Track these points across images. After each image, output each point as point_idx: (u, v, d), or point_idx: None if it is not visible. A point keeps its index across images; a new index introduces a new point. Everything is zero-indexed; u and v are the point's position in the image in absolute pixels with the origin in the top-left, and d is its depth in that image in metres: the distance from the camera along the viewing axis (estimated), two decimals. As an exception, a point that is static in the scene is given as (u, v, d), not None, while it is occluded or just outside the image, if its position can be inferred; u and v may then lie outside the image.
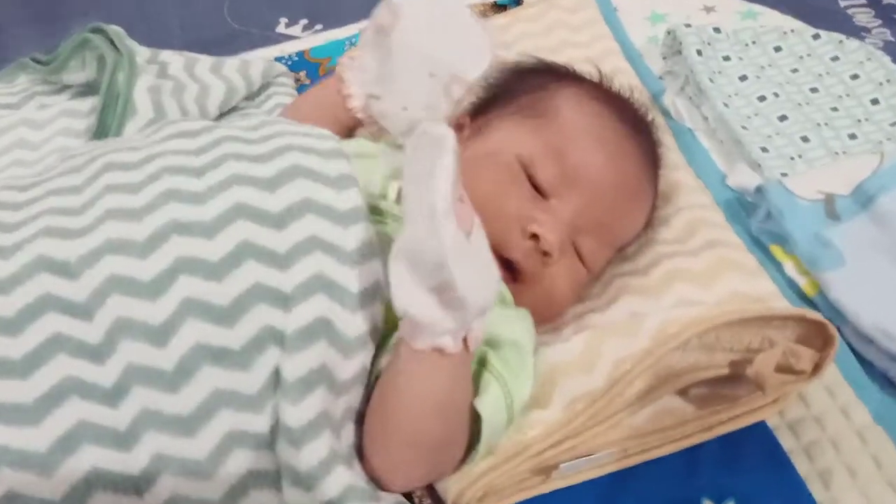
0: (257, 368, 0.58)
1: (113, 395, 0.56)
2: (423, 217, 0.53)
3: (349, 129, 0.86)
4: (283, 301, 0.59)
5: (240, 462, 0.58)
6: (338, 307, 0.60)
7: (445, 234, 0.52)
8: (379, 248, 0.63)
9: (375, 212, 0.70)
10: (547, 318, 0.75)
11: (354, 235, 0.62)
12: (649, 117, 0.86)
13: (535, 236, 0.71)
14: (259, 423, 0.58)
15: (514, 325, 0.69)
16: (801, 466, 0.70)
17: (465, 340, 0.58)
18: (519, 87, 0.83)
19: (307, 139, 0.68)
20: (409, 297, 0.55)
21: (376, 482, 0.62)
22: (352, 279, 0.61)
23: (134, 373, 0.57)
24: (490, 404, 0.63)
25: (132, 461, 0.56)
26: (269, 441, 0.59)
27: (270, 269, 0.60)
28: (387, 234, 0.66)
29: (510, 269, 0.72)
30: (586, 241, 0.75)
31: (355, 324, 0.60)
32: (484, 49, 0.77)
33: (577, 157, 0.75)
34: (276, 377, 0.58)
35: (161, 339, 0.57)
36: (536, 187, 0.74)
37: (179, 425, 0.57)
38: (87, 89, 0.94)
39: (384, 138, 0.82)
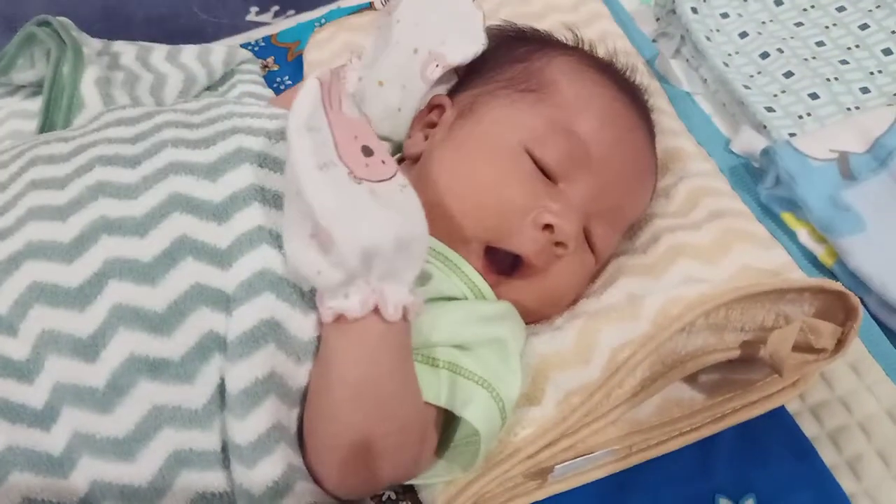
0: (201, 380, 0.52)
1: (43, 418, 0.51)
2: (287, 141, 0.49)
3: None
4: (226, 302, 0.52)
5: (188, 485, 0.52)
6: (287, 306, 0.53)
7: (299, 155, 0.48)
8: None
9: None
10: (547, 315, 0.68)
11: None
12: (637, 80, 0.78)
13: (547, 227, 0.63)
14: (207, 441, 0.52)
15: (491, 321, 0.62)
16: (828, 456, 0.64)
17: (376, 309, 0.51)
18: (501, 58, 0.76)
19: (256, 120, 0.62)
20: (291, 247, 0.50)
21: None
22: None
23: (63, 392, 0.51)
24: (481, 414, 0.56)
25: (69, 489, 0.51)
26: (222, 460, 0.53)
27: (210, 267, 0.53)
28: None
29: (505, 264, 0.65)
30: (598, 226, 0.68)
31: (309, 325, 0.53)
32: (474, 36, 0.75)
33: (586, 134, 0.67)
34: (223, 388, 0.52)
35: (90, 353, 0.51)
36: (543, 171, 0.66)
37: (116, 449, 0.51)
38: (39, 89, 0.88)
39: None
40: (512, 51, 0.76)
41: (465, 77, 0.76)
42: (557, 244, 0.64)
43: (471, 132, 0.69)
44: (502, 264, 0.65)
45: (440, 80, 0.75)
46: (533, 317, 0.66)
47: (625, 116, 0.71)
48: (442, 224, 0.62)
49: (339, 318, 0.51)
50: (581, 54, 0.77)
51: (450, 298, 0.62)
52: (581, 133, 0.67)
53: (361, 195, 0.49)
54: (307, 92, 0.50)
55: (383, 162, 0.52)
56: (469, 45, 0.74)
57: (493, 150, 0.67)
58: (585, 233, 0.67)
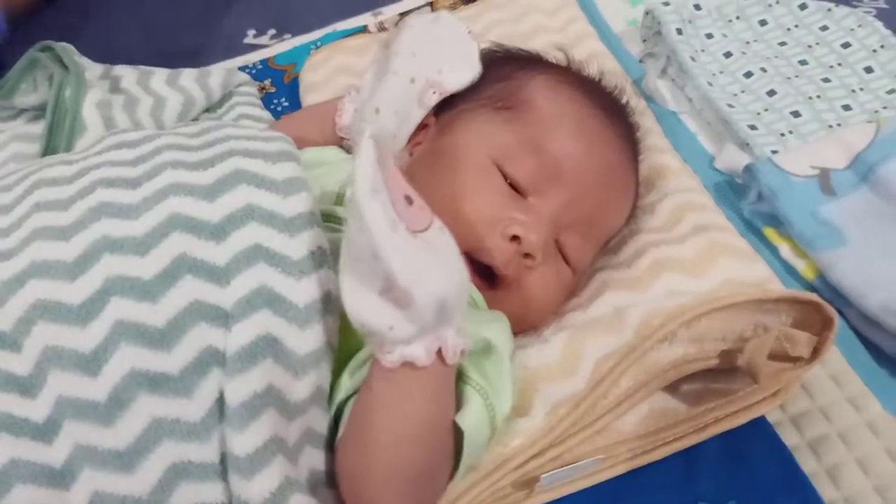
0: (199, 394, 0.53)
1: (46, 431, 0.52)
2: (353, 215, 0.48)
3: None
4: (224, 319, 0.54)
5: (187, 497, 0.53)
6: (283, 323, 0.55)
7: (372, 219, 0.48)
8: (331, 256, 0.58)
9: (331, 218, 0.66)
10: (529, 325, 0.70)
11: (302, 243, 0.57)
12: (623, 99, 0.80)
13: (515, 238, 0.66)
14: (205, 453, 0.53)
15: (489, 329, 0.63)
16: (808, 464, 0.66)
17: (440, 353, 0.52)
18: (486, 77, 0.78)
19: (253, 143, 0.63)
20: (359, 303, 0.50)
21: None
22: (299, 291, 0.56)
23: (65, 406, 0.52)
24: (472, 420, 0.58)
25: (70, 502, 0.52)
26: (220, 472, 0.54)
27: (209, 285, 0.55)
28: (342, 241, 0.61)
29: (487, 276, 0.67)
30: (570, 238, 0.70)
31: (305, 340, 0.55)
32: (470, 64, 0.78)
33: (556, 149, 0.70)
34: (222, 403, 0.54)
35: (92, 368, 0.53)
36: (513, 185, 0.69)
37: (117, 461, 0.52)
38: (41, 113, 0.90)
39: None
40: (497, 70, 0.79)
41: (451, 96, 0.79)
42: (526, 255, 0.66)
43: (446, 147, 0.72)
44: (483, 275, 0.67)
45: None
46: (518, 327, 0.67)
47: (599, 132, 0.73)
48: None
49: (405, 364, 0.52)
50: (563, 72, 0.79)
51: None
52: (552, 148, 0.70)
53: (422, 249, 0.50)
54: (366, 155, 0.50)
55: (422, 209, 0.53)
56: (465, 73, 0.77)
57: (464, 164, 0.70)
58: (558, 245, 0.69)
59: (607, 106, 0.77)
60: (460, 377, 0.59)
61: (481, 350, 0.61)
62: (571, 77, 0.78)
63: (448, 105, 0.78)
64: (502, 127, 0.72)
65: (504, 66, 0.80)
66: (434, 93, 0.76)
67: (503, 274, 0.66)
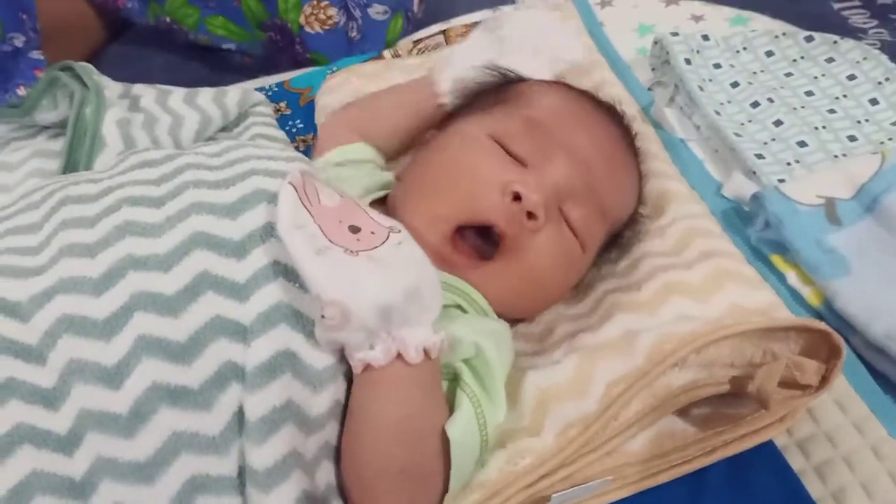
0: (219, 408, 0.55)
1: (67, 443, 0.53)
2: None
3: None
4: (243, 334, 0.55)
5: None
6: (301, 338, 0.56)
7: (295, 249, 0.54)
8: None
9: None
10: (535, 302, 0.71)
11: None
12: (620, 109, 0.83)
13: (517, 198, 0.67)
14: (224, 466, 0.55)
15: (480, 334, 0.64)
16: (814, 488, 0.66)
17: (400, 355, 0.56)
18: (487, 96, 0.82)
19: (273, 162, 0.65)
20: (317, 332, 0.56)
21: None
22: (316, 307, 0.57)
23: (88, 418, 0.53)
24: (460, 427, 0.59)
25: None
26: (238, 485, 0.55)
27: (229, 301, 0.56)
28: None
29: (491, 247, 0.68)
30: (575, 207, 0.71)
31: (322, 354, 0.57)
32: (575, 42, 0.93)
33: (556, 127, 0.73)
34: (241, 416, 0.55)
35: (115, 381, 0.54)
36: (514, 157, 0.71)
37: (137, 473, 0.53)
38: (62, 130, 0.92)
39: None
40: (501, 91, 0.82)
41: (449, 115, 0.84)
42: (528, 216, 0.67)
43: (444, 136, 0.76)
44: (481, 249, 0.68)
45: None
46: (522, 305, 0.69)
47: (594, 115, 0.77)
48: (416, 208, 0.69)
49: (367, 368, 0.56)
50: (561, 84, 0.83)
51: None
52: (549, 124, 0.73)
53: (361, 264, 0.55)
54: (284, 198, 0.57)
55: (372, 233, 0.58)
56: (577, 47, 0.95)
57: (464, 141, 0.73)
58: (563, 214, 0.71)
59: (602, 108, 0.80)
60: (458, 383, 0.62)
61: (480, 358, 0.63)
62: (567, 86, 0.83)
63: (447, 120, 0.83)
64: (498, 113, 0.75)
65: (507, 86, 0.83)
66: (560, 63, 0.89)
67: (504, 232, 0.67)
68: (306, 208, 0.57)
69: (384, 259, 0.56)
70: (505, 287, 0.68)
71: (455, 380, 0.62)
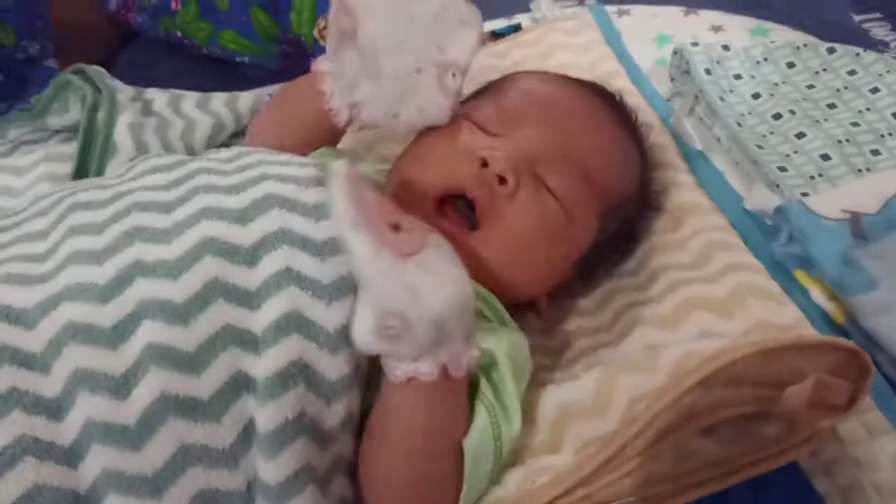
0: (229, 420, 0.53)
1: (71, 455, 0.52)
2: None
3: (332, 136, 0.81)
4: (254, 344, 0.54)
5: None
6: (314, 348, 0.54)
7: (356, 250, 0.50)
8: None
9: None
10: (526, 269, 0.69)
11: (332, 267, 0.57)
12: (609, 89, 0.83)
13: (486, 164, 0.67)
14: (234, 480, 0.53)
15: (495, 342, 0.62)
16: (839, 511, 0.64)
17: (445, 368, 0.54)
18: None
19: (285, 167, 0.64)
20: (362, 330, 0.52)
21: None
22: (330, 316, 0.56)
23: (93, 429, 0.52)
24: (475, 436, 0.58)
25: None
26: (247, 500, 0.54)
27: (240, 309, 0.55)
28: None
29: (472, 213, 0.68)
30: (551, 172, 0.70)
31: (336, 365, 0.55)
32: (469, 27, 0.71)
33: (527, 101, 0.73)
34: (251, 429, 0.53)
35: (122, 391, 0.52)
36: (481, 128, 0.72)
37: (144, 487, 0.52)
38: (73, 134, 0.91)
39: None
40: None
41: None
42: (500, 181, 0.67)
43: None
44: (469, 218, 0.68)
45: None
46: (514, 277, 0.68)
47: (567, 83, 0.78)
48: (404, 185, 0.69)
49: (411, 380, 0.54)
50: (545, 72, 0.83)
51: None
52: (520, 98, 0.74)
53: (414, 272, 0.52)
54: (341, 195, 0.51)
55: (411, 231, 0.55)
56: (468, 33, 0.71)
57: (441, 127, 0.73)
58: (539, 178, 0.69)
59: (597, 90, 0.81)
60: (474, 392, 0.60)
61: (498, 367, 0.61)
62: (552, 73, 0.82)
63: None
64: (476, 101, 0.77)
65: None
66: (453, 74, 0.71)
67: (475, 196, 0.67)
68: (358, 205, 0.52)
69: (431, 265, 0.53)
70: (493, 259, 0.67)
71: (472, 387, 0.60)
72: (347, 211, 0.51)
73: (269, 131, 0.80)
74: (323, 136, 0.78)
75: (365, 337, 0.51)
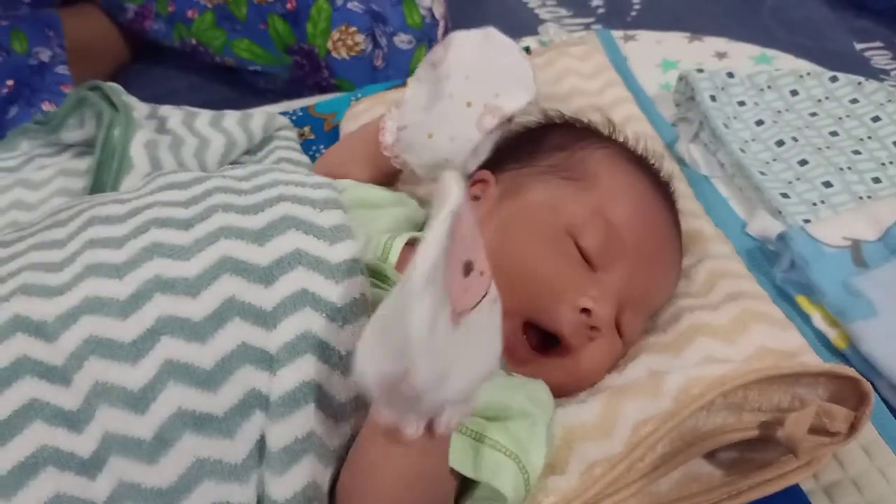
0: (242, 436, 0.54)
1: (90, 466, 0.53)
2: (404, 289, 0.42)
3: (388, 174, 0.85)
4: (269, 362, 0.55)
5: None
6: (326, 369, 0.55)
7: (414, 317, 0.41)
8: (373, 307, 0.58)
9: (376, 275, 0.65)
10: (573, 392, 0.70)
11: (347, 290, 0.58)
12: (664, 173, 0.82)
13: (585, 310, 0.67)
14: (244, 495, 0.54)
15: (524, 393, 0.63)
16: (840, 534, 0.65)
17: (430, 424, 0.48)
18: (543, 142, 0.80)
19: (301, 189, 0.65)
20: (368, 371, 0.44)
21: None
22: (342, 338, 0.56)
23: (112, 442, 0.53)
24: (511, 484, 0.58)
25: None
26: None
27: (256, 328, 0.56)
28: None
29: (542, 341, 0.68)
30: (627, 313, 0.71)
31: (347, 386, 0.56)
32: (526, 86, 0.76)
33: (623, 225, 0.72)
34: (262, 445, 0.54)
35: (140, 405, 0.53)
36: (584, 257, 0.70)
37: (158, 499, 0.53)
38: (87, 149, 0.92)
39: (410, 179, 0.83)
40: (554, 137, 0.80)
41: (506, 155, 0.80)
42: (592, 328, 0.67)
43: (517, 212, 0.73)
44: (543, 343, 0.68)
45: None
46: (559, 393, 0.68)
47: (656, 209, 0.76)
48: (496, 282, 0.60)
49: (393, 430, 0.47)
50: (617, 147, 0.81)
51: None
52: (618, 224, 0.71)
53: (456, 344, 0.44)
54: (438, 233, 0.42)
55: (482, 274, 0.46)
56: (523, 94, 0.76)
57: (539, 231, 0.71)
58: (616, 318, 0.70)
59: (656, 182, 0.79)
60: (485, 442, 0.59)
61: (517, 415, 0.61)
62: (625, 152, 0.80)
63: (504, 164, 0.79)
64: (572, 197, 0.73)
65: (560, 134, 0.81)
66: (493, 117, 0.75)
67: (569, 343, 0.67)
68: (449, 249, 0.43)
69: (477, 329, 0.46)
70: (550, 379, 0.67)
71: (479, 439, 0.59)
72: (431, 257, 0.41)
73: (337, 156, 0.87)
74: (372, 167, 0.83)
75: (366, 379, 0.44)
